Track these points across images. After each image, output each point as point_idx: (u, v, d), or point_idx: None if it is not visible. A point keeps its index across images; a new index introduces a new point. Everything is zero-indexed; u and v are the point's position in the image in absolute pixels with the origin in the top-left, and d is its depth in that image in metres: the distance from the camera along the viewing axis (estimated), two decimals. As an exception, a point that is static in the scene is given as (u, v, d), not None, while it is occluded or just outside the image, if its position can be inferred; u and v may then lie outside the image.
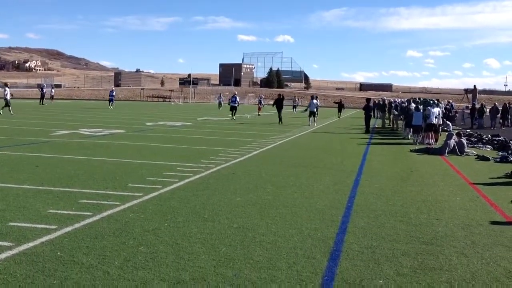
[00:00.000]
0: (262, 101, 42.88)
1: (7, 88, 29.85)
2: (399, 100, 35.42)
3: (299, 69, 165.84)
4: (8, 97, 29.19)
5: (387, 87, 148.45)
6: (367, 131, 24.97)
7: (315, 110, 29.01)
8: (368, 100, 27.43)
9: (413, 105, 21.58)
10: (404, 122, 24.95)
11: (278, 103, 30.45)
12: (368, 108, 26.07)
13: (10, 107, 28.72)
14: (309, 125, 27.94)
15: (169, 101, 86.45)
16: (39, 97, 47.96)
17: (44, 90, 47.99)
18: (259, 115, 40.02)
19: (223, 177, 9.83)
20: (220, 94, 60.16)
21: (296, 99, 51.37)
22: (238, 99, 33.76)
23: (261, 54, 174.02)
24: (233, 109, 32.58)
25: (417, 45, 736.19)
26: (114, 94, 47.15)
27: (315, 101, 29.43)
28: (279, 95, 31.68)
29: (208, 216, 6.64)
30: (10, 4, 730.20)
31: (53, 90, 51.35)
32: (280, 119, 29.28)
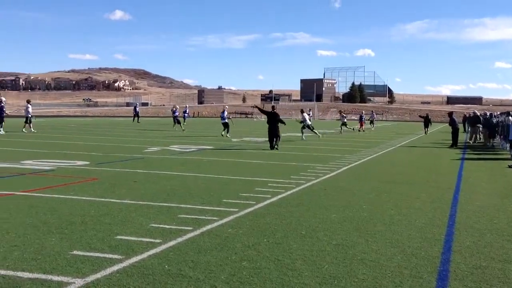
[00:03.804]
0: (363, 117, 41.52)
1: (29, 105, 30.58)
2: (486, 113, 33.95)
3: (382, 83, 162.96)
4: (30, 114, 29.81)
5: (476, 100, 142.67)
6: (453, 145, 24.04)
7: (309, 123, 27.72)
8: (450, 113, 26.50)
9: (510, 118, 20.55)
10: (487, 134, 24.25)
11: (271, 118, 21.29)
12: (454, 122, 25.15)
13: (31, 124, 29.49)
14: (303, 139, 26.76)
15: (252, 117, 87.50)
16: (132, 115, 49.94)
17: (137, 109, 49.82)
18: (359, 131, 39.03)
19: (315, 193, 9.78)
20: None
21: (374, 113, 49.55)
22: (226, 114, 29.43)
23: (343, 69, 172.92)
24: (225, 126, 28.74)
25: (505, 56, 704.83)
26: (188, 111, 46.74)
27: (305, 114, 28.04)
28: (272, 107, 22.35)
29: (306, 232, 6.61)
30: (98, 26, 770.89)
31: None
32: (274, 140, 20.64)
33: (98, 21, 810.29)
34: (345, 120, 38.25)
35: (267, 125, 20.59)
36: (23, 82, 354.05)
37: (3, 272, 4.76)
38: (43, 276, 4.67)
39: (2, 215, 7.18)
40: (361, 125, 40.73)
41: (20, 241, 5.85)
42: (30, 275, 4.69)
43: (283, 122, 20.87)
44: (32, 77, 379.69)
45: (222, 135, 28.53)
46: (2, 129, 27.30)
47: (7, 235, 6.11)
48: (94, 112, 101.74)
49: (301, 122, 27.54)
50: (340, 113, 40.98)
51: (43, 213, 7.34)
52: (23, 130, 28.81)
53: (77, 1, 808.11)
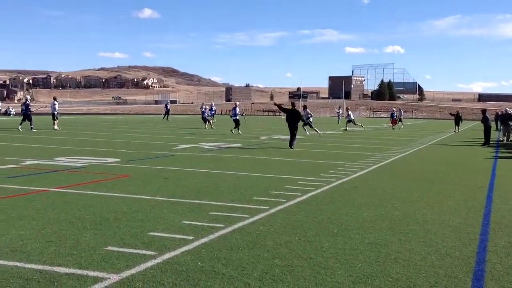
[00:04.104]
0: (394, 115, 41.12)
1: (55, 102, 30.76)
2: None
3: (412, 80, 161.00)
4: (56, 111, 30.03)
5: (509, 97, 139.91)
6: (486, 143, 23.62)
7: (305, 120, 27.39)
8: (483, 111, 26.03)
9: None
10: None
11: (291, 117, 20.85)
12: (486, 119, 24.70)
13: (56, 121, 29.80)
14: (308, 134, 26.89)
15: (279, 115, 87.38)
16: (163, 112, 50.22)
17: (168, 106, 50.08)
18: (393, 129, 38.78)
19: (345, 191, 9.72)
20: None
21: (401, 111, 47.90)
22: (238, 111, 29.44)
23: (372, 66, 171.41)
24: (236, 123, 28.68)
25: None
26: (214, 109, 45.22)
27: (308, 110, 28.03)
28: (293, 104, 22.34)
29: (338, 230, 6.58)
30: (128, 25, 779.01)
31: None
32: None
33: (127, 19, 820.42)
34: (352, 118, 37.32)
35: (287, 123, 19.98)
36: (54, 80, 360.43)
37: (40, 267, 4.85)
38: (79, 271, 4.74)
39: (38, 211, 7.32)
40: (393, 123, 40.26)
41: (55, 236, 5.95)
42: (67, 270, 4.77)
43: (303, 120, 20.58)
44: (63, 75, 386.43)
45: (232, 132, 28.19)
46: (33, 127, 27.81)
47: (43, 230, 6.22)
48: (124, 109, 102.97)
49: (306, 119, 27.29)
50: (347, 110, 40.32)
51: (77, 209, 7.45)
52: (55, 127, 29.28)
53: (107, 0, 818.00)
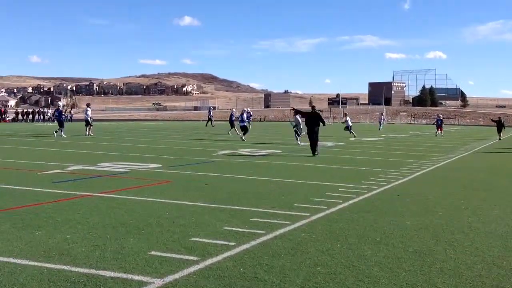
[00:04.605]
0: (439, 121, 40.07)
1: (88, 109, 31.18)
2: None
3: (454, 86, 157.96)
4: (89, 117, 30.30)
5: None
6: None
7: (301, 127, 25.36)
8: None
9: None
10: None
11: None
12: None
13: (89, 127, 30.07)
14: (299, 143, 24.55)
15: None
16: (207, 118, 50.14)
17: (211, 113, 49.89)
18: (441, 135, 37.90)
19: (387, 199, 9.59)
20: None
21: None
22: (245, 117, 28.81)
23: (413, 72, 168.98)
24: (244, 129, 28.15)
25: None
26: (251, 114, 44.80)
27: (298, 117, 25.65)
28: (313, 107, 21.46)
29: (381, 238, 6.49)
30: (168, 32, 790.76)
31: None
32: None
33: (168, 27, 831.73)
34: (350, 124, 34.66)
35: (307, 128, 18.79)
36: (97, 87, 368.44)
37: (86, 270, 4.94)
38: (124, 275, 4.82)
39: (83, 215, 7.47)
40: (439, 129, 39.30)
41: (100, 240, 6.06)
42: (112, 274, 4.85)
43: (323, 123, 19.09)
44: (105, 82, 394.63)
45: (242, 139, 27.38)
46: (63, 132, 28.50)
47: (88, 234, 6.35)
48: (164, 116, 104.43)
49: (294, 126, 25.43)
50: (345, 116, 38.17)
51: (120, 214, 7.58)
52: (90, 133, 29.82)
53: (148, 8, 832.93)
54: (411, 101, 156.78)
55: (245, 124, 28.34)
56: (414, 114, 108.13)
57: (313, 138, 18.48)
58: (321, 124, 19.00)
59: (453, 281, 4.91)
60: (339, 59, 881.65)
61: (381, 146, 25.99)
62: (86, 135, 29.45)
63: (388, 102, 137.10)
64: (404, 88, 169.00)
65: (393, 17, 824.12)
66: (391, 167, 15.03)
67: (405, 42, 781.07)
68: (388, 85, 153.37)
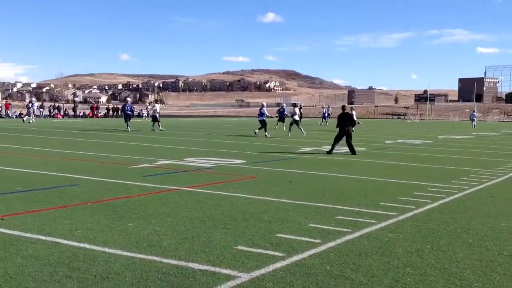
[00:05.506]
0: None
1: (156, 105, 32.53)
2: None
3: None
4: (157, 113, 31.28)
5: None
6: None
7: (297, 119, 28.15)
8: None
9: None
10: None
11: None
12: None
13: (158, 123, 30.82)
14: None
15: (404, 118, 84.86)
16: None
17: (301, 110, 49.42)
18: None
19: (479, 199, 9.17)
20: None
21: None
22: (265, 111, 27.82)
23: (506, 67, 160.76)
24: (262, 124, 27.37)
25: None
26: (329, 111, 44.56)
27: (296, 109, 27.82)
28: (343, 107, 19.43)
29: (473, 241, 6.22)
30: (251, 29, 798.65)
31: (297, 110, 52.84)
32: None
33: (251, 24, 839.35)
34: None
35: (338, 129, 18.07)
36: (182, 84, 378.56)
37: (176, 262, 5.09)
38: (212, 268, 4.91)
39: (172, 208, 7.70)
40: None
41: (189, 233, 6.22)
42: (200, 267, 4.96)
43: (354, 124, 18.65)
44: (190, 79, 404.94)
45: (255, 133, 27.22)
46: (129, 128, 29.50)
47: (177, 227, 6.53)
48: (247, 112, 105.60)
49: (292, 116, 27.74)
50: (351, 111, 35.80)
51: (207, 208, 7.74)
52: (160, 128, 30.71)
53: (232, 6, 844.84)
54: (504, 98, 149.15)
55: (264, 118, 27.46)
56: (507, 111, 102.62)
57: (347, 138, 17.78)
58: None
59: (555, 289, 4.62)
60: (426, 54, 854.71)
61: (471, 144, 24.94)
62: (161, 129, 30.39)
63: (479, 98, 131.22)
64: (497, 84, 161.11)
65: (485, 10, 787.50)
66: (483, 166, 14.37)
67: (498, 36, 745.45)
68: (480, 81, 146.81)
